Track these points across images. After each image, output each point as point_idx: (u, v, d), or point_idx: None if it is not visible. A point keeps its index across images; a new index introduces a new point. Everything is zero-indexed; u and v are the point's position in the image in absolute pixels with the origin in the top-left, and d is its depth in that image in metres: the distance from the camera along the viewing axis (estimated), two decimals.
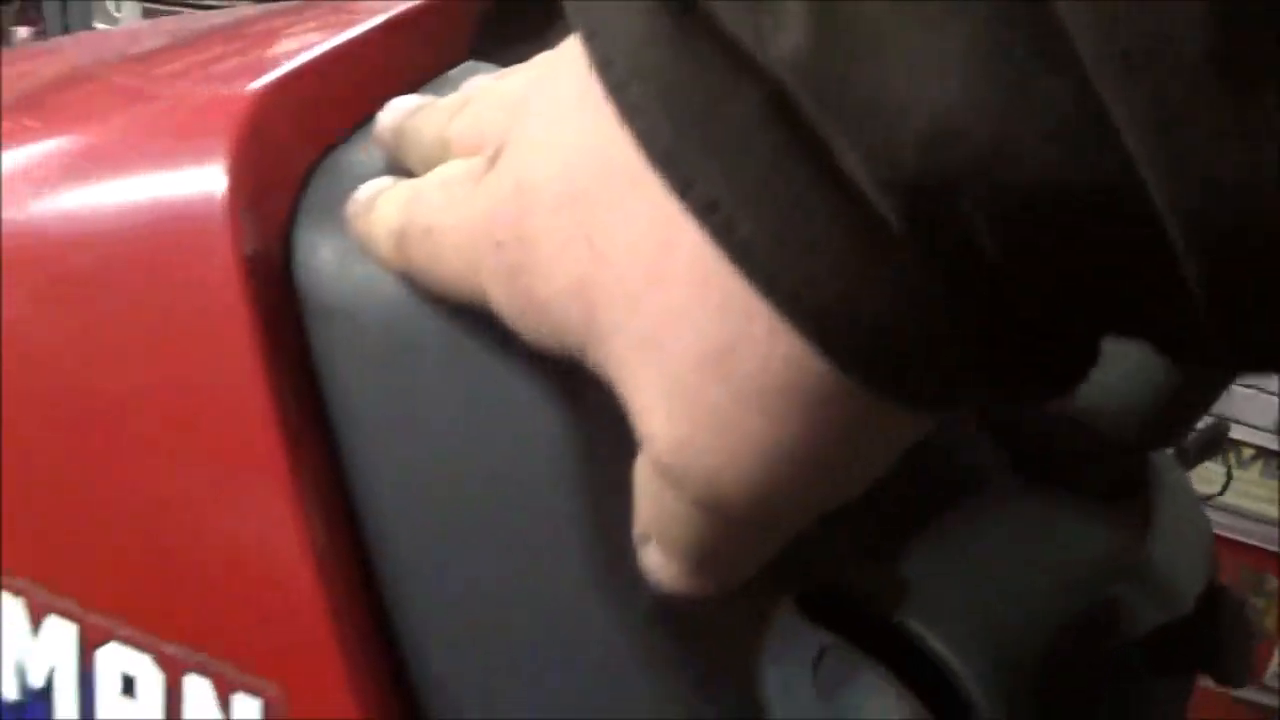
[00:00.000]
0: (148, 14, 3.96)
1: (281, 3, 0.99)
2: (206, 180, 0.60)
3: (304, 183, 0.62)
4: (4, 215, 0.67)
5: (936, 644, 0.62)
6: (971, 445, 0.76)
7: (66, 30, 4.29)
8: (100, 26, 4.21)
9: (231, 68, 0.77)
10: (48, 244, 0.65)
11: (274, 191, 0.61)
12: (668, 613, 0.57)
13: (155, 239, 0.61)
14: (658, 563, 0.49)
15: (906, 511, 0.71)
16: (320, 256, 0.60)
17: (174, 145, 0.63)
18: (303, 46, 0.70)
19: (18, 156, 0.70)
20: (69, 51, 1.03)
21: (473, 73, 0.73)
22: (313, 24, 0.85)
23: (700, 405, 0.41)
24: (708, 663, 0.59)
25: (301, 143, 0.63)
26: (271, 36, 0.85)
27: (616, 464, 0.51)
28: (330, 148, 0.64)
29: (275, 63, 0.67)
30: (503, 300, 0.47)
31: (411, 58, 0.73)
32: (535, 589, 0.57)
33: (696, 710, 0.58)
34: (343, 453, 0.59)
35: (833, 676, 0.60)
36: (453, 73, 0.76)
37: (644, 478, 0.46)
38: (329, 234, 0.60)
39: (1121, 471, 0.78)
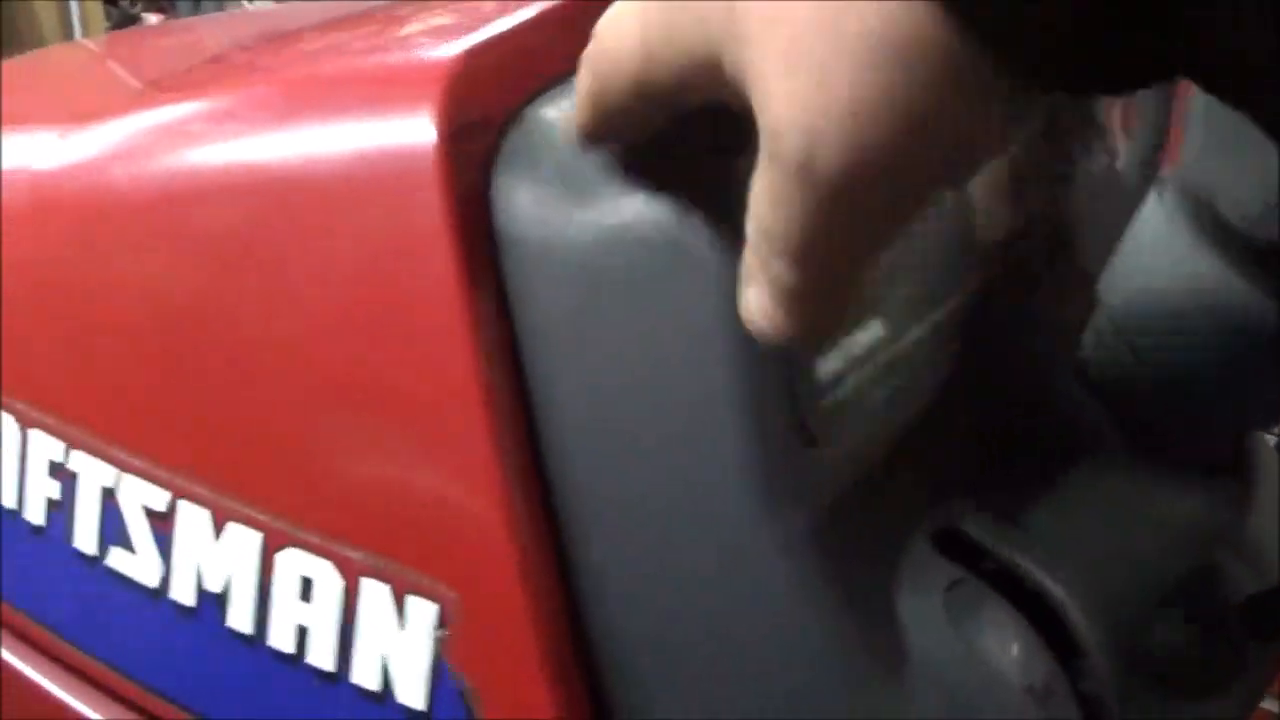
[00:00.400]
0: None
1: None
2: (419, 129, 0.67)
3: (502, 131, 0.68)
4: (236, 150, 0.74)
5: (1053, 587, 0.66)
6: (1084, 410, 0.79)
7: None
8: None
9: (427, 32, 0.84)
10: (273, 175, 0.73)
11: (475, 139, 0.67)
12: (820, 538, 0.61)
13: (373, 175, 0.69)
14: (755, 300, 0.51)
15: (1023, 468, 0.75)
16: (517, 197, 0.66)
17: (388, 93, 0.70)
18: (485, 19, 0.75)
19: (242, 99, 0.79)
20: (245, 24, 1.20)
21: None
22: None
23: (811, 64, 0.42)
24: (852, 588, 0.63)
25: (499, 97, 0.69)
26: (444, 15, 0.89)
27: (776, 406, 0.61)
28: (525, 103, 0.69)
29: (470, 29, 0.73)
30: (654, 18, 0.51)
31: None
32: (700, 509, 0.62)
33: (842, 631, 0.62)
34: (529, 377, 0.65)
35: (962, 607, 0.65)
36: None
37: (755, 186, 0.48)
38: (524, 178, 0.66)
39: (1222, 447, 0.80)
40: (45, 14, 4.43)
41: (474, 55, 0.71)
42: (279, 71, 0.86)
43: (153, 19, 4.66)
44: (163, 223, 0.78)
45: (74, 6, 4.48)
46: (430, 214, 0.66)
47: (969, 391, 0.79)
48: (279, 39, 1.03)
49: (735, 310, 0.55)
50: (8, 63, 1.27)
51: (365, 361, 0.68)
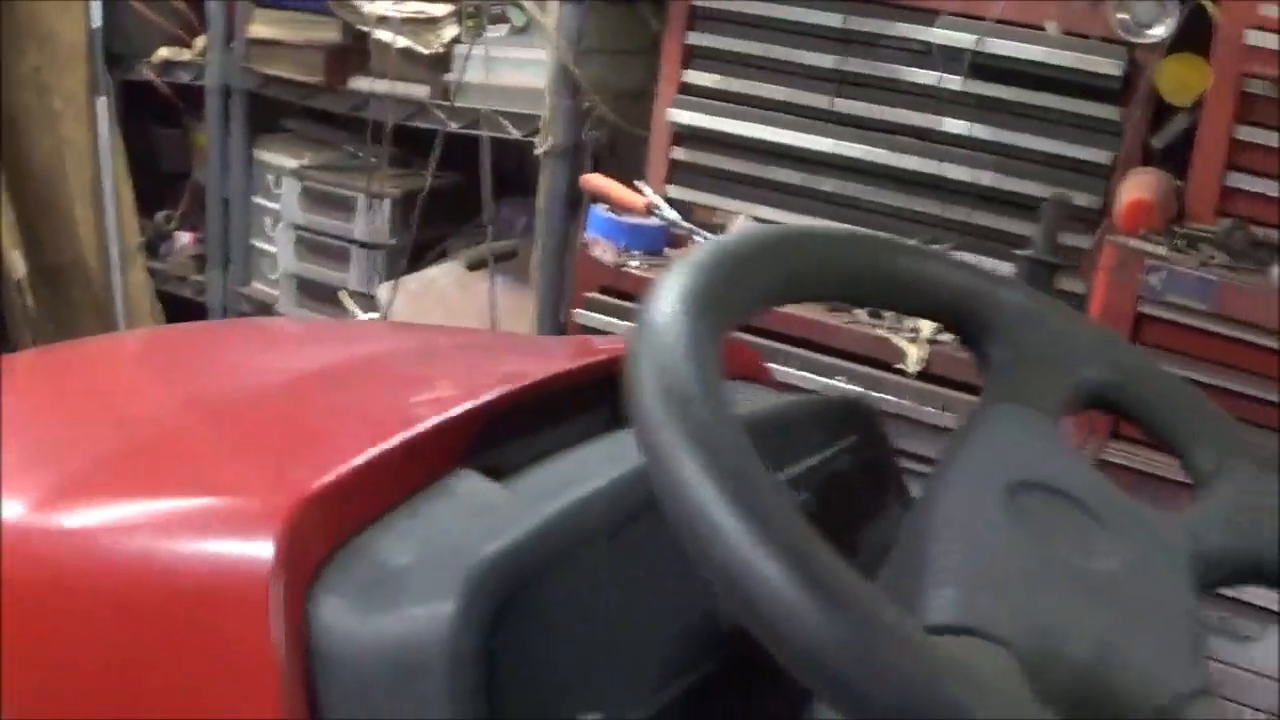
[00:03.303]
0: (305, 193, 4.27)
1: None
2: (256, 558, 0.95)
3: (327, 560, 0.98)
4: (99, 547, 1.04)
5: None
6: None
7: (227, 236, 4.57)
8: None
9: (299, 440, 1.21)
10: (126, 577, 1.00)
11: (302, 566, 0.96)
12: None
13: (213, 590, 0.97)
14: None
15: None
16: (330, 618, 0.95)
17: (233, 526, 1.01)
18: (359, 435, 1.12)
19: (110, 510, 1.08)
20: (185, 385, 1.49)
21: (465, 479, 1.12)
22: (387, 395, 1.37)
23: None
24: None
25: (330, 532, 1.00)
26: (344, 410, 1.31)
27: None
28: (354, 534, 1.01)
29: (327, 457, 1.07)
30: None
31: (414, 467, 1.10)
32: None
33: None
34: None
35: None
36: (449, 479, 1.12)
37: None
38: (339, 602, 0.96)
39: None
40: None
41: (312, 499, 1.00)
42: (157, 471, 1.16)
43: (185, 238, 4.76)
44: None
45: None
46: (257, 629, 0.91)
47: None
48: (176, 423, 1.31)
49: (468, 717, 0.90)
50: None
51: None
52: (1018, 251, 2.79)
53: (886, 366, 3.05)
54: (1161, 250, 2.72)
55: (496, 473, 1.14)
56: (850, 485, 1.33)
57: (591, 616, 1.03)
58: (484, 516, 1.07)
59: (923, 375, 2.98)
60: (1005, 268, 2.83)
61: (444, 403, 1.17)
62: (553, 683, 0.99)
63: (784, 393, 1.51)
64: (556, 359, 1.36)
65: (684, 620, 1.06)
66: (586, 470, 1.10)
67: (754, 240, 1.10)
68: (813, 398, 1.39)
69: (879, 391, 3.01)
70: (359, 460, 1.05)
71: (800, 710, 1.01)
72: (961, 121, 3.21)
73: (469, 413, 1.16)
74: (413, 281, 3.97)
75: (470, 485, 1.12)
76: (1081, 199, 3.13)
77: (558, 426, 1.21)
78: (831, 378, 3.04)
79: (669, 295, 0.97)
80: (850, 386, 3.03)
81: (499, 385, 1.21)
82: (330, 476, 1.02)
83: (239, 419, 1.25)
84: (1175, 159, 3.04)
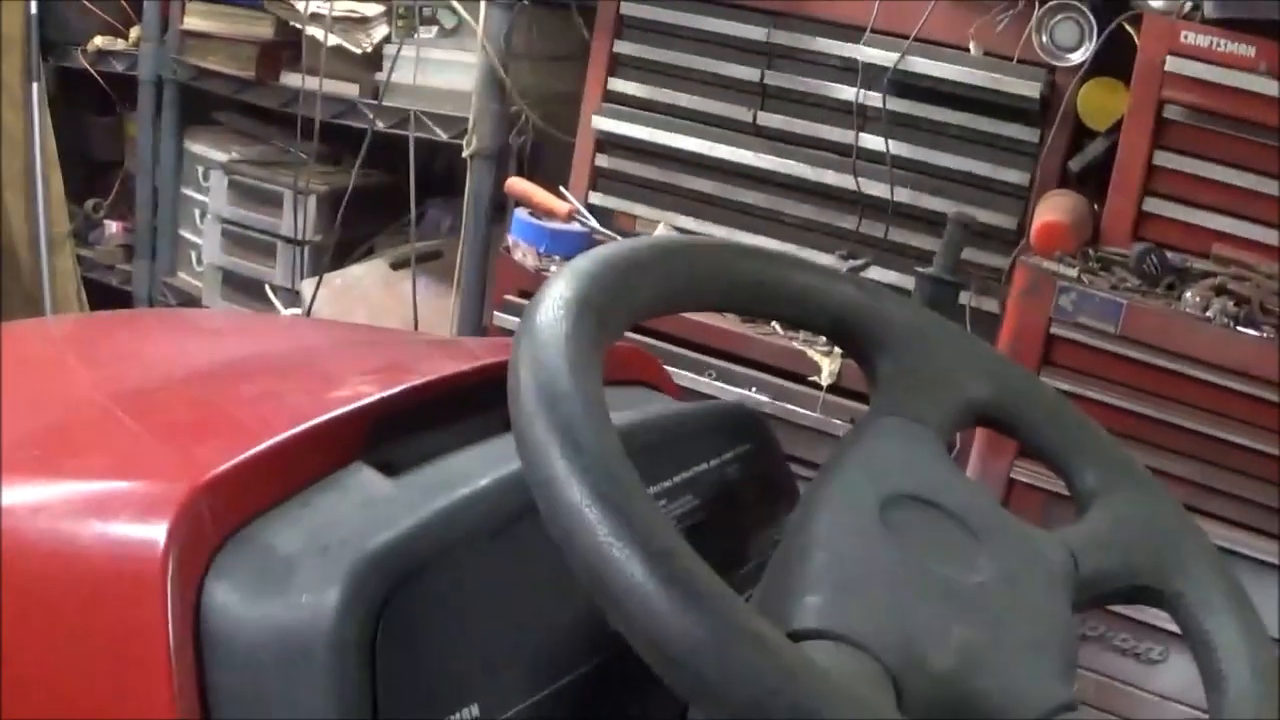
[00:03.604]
0: (233, 186, 4.28)
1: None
2: (149, 543, 0.98)
3: (220, 548, 1.01)
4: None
5: None
6: None
7: (155, 226, 4.59)
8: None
9: (199, 429, 1.25)
10: (25, 558, 1.03)
11: (195, 554, 0.99)
12: None
13: (110, 572, 1.00)
14: None
15: None
16: (221, 603, 0.98)
17: (130, 511, 1.03)
18: (259, 426, 1.18)
19: (11, 493, 1.09)
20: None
21: (358, 473, 1.14)
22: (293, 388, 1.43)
23: None
24: None
25: (223, 520, 1.02)
26: (251, 400, 1.37)
27: None
28: (248, 520, 1.04)
29: (227, 445, 1.09)
30: None
31: (310, 460, 1.13)
32: None
33: None
34: None
35: None
36: (343, 472, 1.14)
37: None
38: (229, 588, 0.99)
39: None
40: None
41: (207, 486, 1.03)
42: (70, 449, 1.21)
43: (113, 227, 4.79)
44: None
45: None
46: (151, 612, 0.95)
47: None
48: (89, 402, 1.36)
49: (349, 704, 0.94)
50: None
51: None
52: (919, 269, 2.80)
53: (800, 379, 3.07)
54: (1073, 272, 2.73)
55: (392, 468, 1.15)
56: (741, 493, 1.33)
57: (475, 611, 1.05)
58: (373, 509, 1.10)
59: (835, 388, 3.01)
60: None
61: (343, 398, 1.19)
62: (435, 674, 1.00)
63: (682, 400, 1.51)
64: (462, 359, 1.37)
65: (567, 618, 1.07)
66: (477, 468, 1.11)
67: (640, 249, 1.11)
68: (705, 405, 1.39)
69: (791, 403, 3.04)
70: (256, 449, 1.08)
71: (685, 707, 1.04)
72: (881, 138, 3.22)
73: (366, 408, 1.18)
74: (337, 278, 3.96)
75: (362, 479, 1.14)
76: (998, 219, 3.16)
77: (456, 425, 1.21)
78: (747, 389, 3.05)
79: (551, 301, 0.99)
80: (762, 398, 3.04)
81: (399, 382, 1.23)
82: (227, 465, 1.05)
83: (146, 407, 1.27)
84: (1093, 182, 3.07)
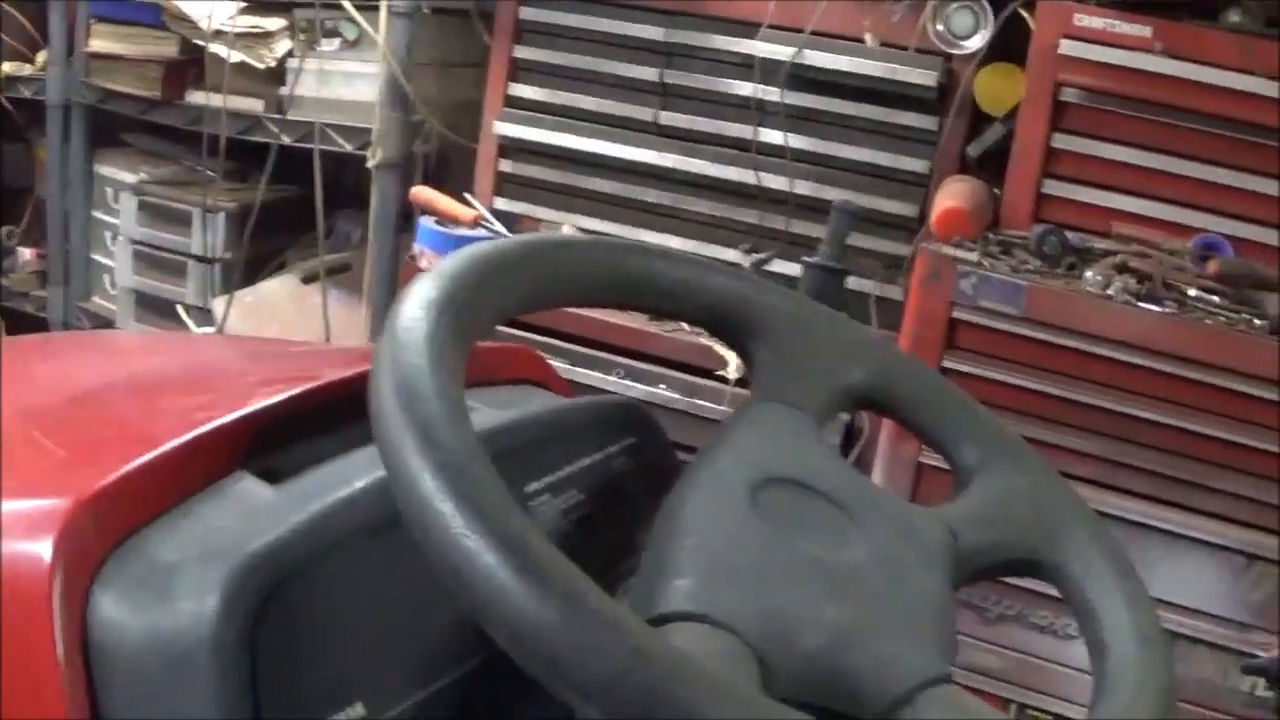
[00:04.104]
0: (142, 207, 4.24)
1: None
2: (36, 557, 0.99)
3: (106, 559, 1.01)
4: None
5: None
6: None
7: (67, 251, 4.56)
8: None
9: (86, 445, 1.25)
10: None
11: (80, 567, 1.00)
12: None
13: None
14: None
15: None
16: (106, 613, 0.99)
17: (15, 528, 1.03)
18: (143, 439, 1.14)
19: None
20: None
21: (239, 481, 1.14)
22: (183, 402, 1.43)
23: None
24: None
25: (108, 532, 1.03)
26: (137, 417, 1.36)
27: None
28: (132, 532, 1.04)
29: (110, 459, 1.09)
30: None
31: (193, 470, 1.13)
32: None
33: None
34: None
35: None
36: (225, 481, 1.14)
37: None
38: (114, 598, 0.99)
39: None
40: None
41: (92, 499, 1.03)
42: None
43: (26, 254, 4.77)
44: None
45: None
46: (38, 626, 0.96)
47: None
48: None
49: (232, 707, 0.94)
50: None
51: None
52: (805, 258, 2.80)
53: (708, 374, 3.06)
54: (974, 256, 2.73)
55: (275, 475, 1.16)
56: (627, 485, 1.34)
57: (356, 612, 1.06)
58: (252, 516, 1.09)
59: (742, 382, 2.98)
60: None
61: (227, 407, 1.20)
62: (317, 676, 1.01)
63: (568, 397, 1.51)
64: (357, 364, 1.36)
65: (450, 616, 1.06)
66: (358, 472, 1.11)
67: (508, 248, 1.12)
68: (589, 400, 1.39)
69: (700, 398, 3.03)
70: (138, 461, 1.09)
71: None
72: (780, 132, 3.23)
73: (249, 416, 1.19)
74: (248, 295, 3.94)
75: (243, 487, 1.14)
76: (899, 208, 3.18)
77: (341, 431, 1.21)
78: (655, 386, 3.05)
79: (413, 301, 1.00)
80: (671, 394, 3.04)
81: (283, 390, 1.24)
82: (109, 478, 1.06)
83: (32, 425, 1.28)
84: (992, 167, 3.08)
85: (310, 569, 1.02)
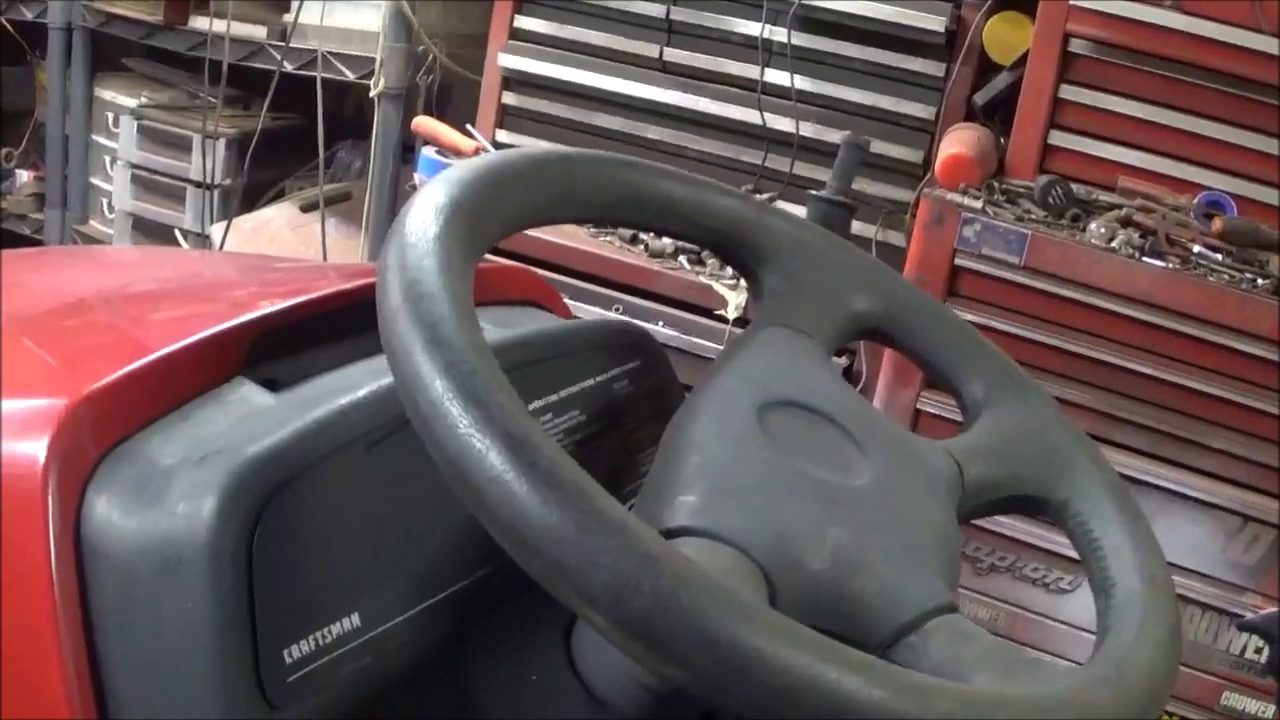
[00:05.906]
0: (142, 131, 4.23)
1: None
2: (30, 456, 0.97)
3: (101, 460, 1.00)
4: None
5: None
6: (568, 693, 1.07)
7: (66, 174, 4.53)
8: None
9: (83, 351, 1.23)
10: None
11: (75, 466, 0.98)
12: None
13: None
14: None
15: None
16: (100, 514, 0.98)
17: (11, 427, 1.01)
18: (142, 343, 1.13)
19: None
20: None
21: (239, 387, 1.12)
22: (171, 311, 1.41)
23: None
24: None
25: (103, 433, 1.01)
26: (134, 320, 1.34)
27: (245, 683, 0.95)
28: (128, 435, 1.03)
29: (108, 364, 1.06)
30: None
31: (192, 375, 1.10)
32: None
33: None
34: (100, 644, 0.96)
35: None
36: (224, 387, 1.12)
37: None
38: (108, 500, 0.98)
39: None
40: None
41: (87, 400, 1.01)
42: None
43: (25, 176, 4.73)
44: None
45: None
46: (32, 525, 0.95)
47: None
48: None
49: (227, 611, 0.93)
50: None
51: None
52: (812, 192, 2.76)
53: (707, 313, 3.02)
54: (978, 204, 2.69)
55: (275, 384, 1.14)
56: (630, 409, 1.32)
57: (354, 520, 1.04)
58: (251, 421, 1.08)
59: (741, 321, 2.95)
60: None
61: (227, 314, 1.18)
62: (313, 583, 1.00)
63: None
64: (356, 278, 1.33)
65: (450, 531, 1.07)
66: (359, 381, 1.10)
67: (516, 159, 1.09)
68: (592, 321, 1.36)
69: (699, 337, 2.99)
70: (136, 364, 1.07)
71: (571, 620, 1.06)
72: (786, 73, 3.18)
73: (249, 324, 1.16)
74: (246, 221, 3.90)
75: (243, 393, 1.13)
76: (904, 153, 3.14)
77: (342, 342, 1.19)
78: (654, 323, 3.00)
79: (423, 204, 0.98)
80: (669, 331, 3.00)
81: (284, 299, 1.22)
82: (106, 379, 1.04)
83: (31, 329, 1.26)
84: (999, 116, 3.04)
85: (309, 475, 1.01)
